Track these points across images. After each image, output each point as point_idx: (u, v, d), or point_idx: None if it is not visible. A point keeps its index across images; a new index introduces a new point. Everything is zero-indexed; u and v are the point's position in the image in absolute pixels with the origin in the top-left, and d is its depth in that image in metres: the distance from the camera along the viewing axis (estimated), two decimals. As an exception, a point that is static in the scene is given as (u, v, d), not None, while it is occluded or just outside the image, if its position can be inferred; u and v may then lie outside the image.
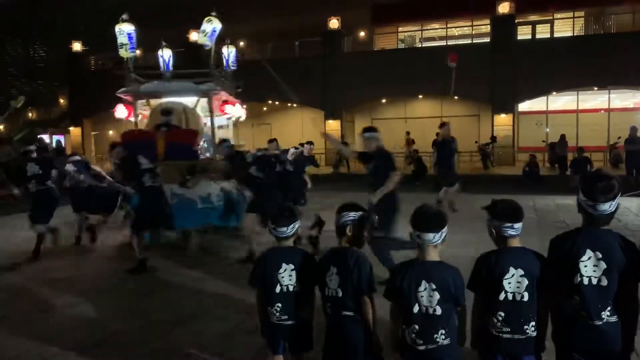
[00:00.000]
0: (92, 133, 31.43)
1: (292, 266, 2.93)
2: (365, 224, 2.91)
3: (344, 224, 2.86)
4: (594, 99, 24.73)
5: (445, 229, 2.61)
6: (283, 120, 29.01)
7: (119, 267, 6.67)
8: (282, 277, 2.93)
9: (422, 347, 2.58)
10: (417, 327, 2.59)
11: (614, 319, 2.47)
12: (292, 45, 26.72)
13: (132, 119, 9.45)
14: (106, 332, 4.51)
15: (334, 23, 25.59)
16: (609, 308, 2.46)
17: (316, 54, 25.74)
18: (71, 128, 30.81)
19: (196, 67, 11.18)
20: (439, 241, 2.60)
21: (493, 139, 22.36)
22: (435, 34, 28.27)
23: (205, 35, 9.73)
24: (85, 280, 6.17)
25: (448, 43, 26.76)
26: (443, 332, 2.58)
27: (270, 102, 27.74)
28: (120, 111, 9.45)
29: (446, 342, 2.59)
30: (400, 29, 28.31)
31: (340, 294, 2.77)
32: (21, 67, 39.75)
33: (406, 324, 2.64)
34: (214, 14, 9.73)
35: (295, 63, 24.74)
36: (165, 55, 10.13)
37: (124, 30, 9.28)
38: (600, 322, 2.46)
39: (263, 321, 3.02)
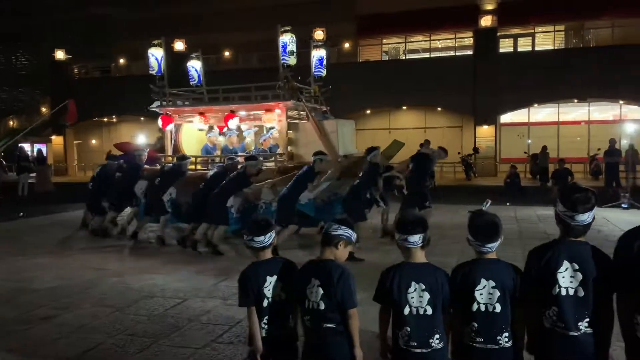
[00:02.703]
0: (75, 142, 31.12)
1: (276, 277, 2.93)
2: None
3: (339, 237, 2.84)
4: (575, 111, 25.14)
5: (427, 232, 2.73)
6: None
7: (100, 276, 6.63)
8: (268, 290, 2.92)
9: (417, 350, 2.62)
10: (409, 329, 2.63)
11: (590, 330, 2.50)
12: (277, 56, 26.76)
13: (169, 128, 9.88)
14: (87, 344, 4.45)
15: (318, 34, 25.64)
16: (586, 319, 2.50)
17: (301, 64, 25.83)
18: (53, 137, 30.49)
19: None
20: (423, 243, 2.71)
21: (475, 150, 22.61)
22: (418, 46, 28.57)
23: (291, 55, 9.71)
24: (68, 290, 6.09)
25: (431, 55, 27.07)
26: (437, 336, 2.63)
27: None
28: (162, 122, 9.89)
29: (440, 346, 2.64)
30: (384, 40, 28.57)
31: (322, 307, 2.76)
32: (3, 75, 39.23)
33: (398, 327, 2.68)
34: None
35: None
36: (197, 66, 10.33)
37: (154, 54, 9.97)
38: (578, 333, 2.50)
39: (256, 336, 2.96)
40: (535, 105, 24.60)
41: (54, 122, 10.77)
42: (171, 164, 9.23)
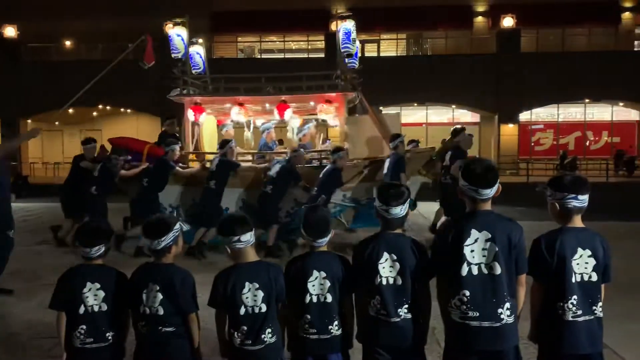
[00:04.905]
0: None
1: (97, 285, 2.78)
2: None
3: (168, 245, 2.76)
4: (415, 114, 27.31)
5: (253, 231, 2.77)
6: (115, 126, 27.34)
7: None
8: (87, 297, 2.76)
9: (251, 348, 2.65)
10: (245, 328, 2.65)
11: (410, 315, 2.72)
12: (125, 48, 25.27)
13: (201, 120, 8.56)
14: None
15: (169, 27, 24.73)
16: (405, 306, 2.71)
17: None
18: None
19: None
20: (252, 241, 2.75)
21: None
22: (273, 46, 28.92)
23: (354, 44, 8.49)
24: None
25: (286, 56, 27.55)
26: (269, 330, 2.67)
27: (101, 106, 26.01)
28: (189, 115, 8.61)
29: (273, 340, 2.68)
30: (239, 38, 28.47)
31: (161, 312, 2.69)
32: None
33: (234, 327, 2.69)
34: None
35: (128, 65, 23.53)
36: (201, 52, 9.55)
37: (180, 34, 8.86)
38: (398, 319, 2.70)
39: (66, 346, 2.81)
40: (381, 108, 26.20)
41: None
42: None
